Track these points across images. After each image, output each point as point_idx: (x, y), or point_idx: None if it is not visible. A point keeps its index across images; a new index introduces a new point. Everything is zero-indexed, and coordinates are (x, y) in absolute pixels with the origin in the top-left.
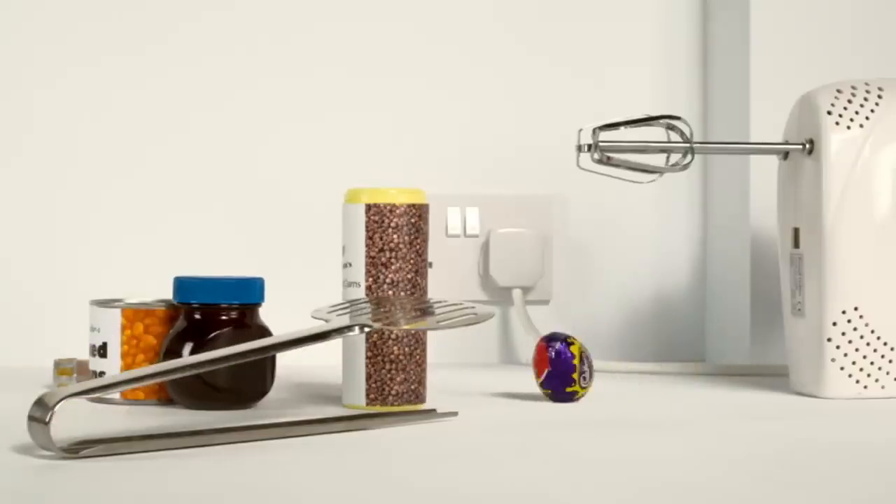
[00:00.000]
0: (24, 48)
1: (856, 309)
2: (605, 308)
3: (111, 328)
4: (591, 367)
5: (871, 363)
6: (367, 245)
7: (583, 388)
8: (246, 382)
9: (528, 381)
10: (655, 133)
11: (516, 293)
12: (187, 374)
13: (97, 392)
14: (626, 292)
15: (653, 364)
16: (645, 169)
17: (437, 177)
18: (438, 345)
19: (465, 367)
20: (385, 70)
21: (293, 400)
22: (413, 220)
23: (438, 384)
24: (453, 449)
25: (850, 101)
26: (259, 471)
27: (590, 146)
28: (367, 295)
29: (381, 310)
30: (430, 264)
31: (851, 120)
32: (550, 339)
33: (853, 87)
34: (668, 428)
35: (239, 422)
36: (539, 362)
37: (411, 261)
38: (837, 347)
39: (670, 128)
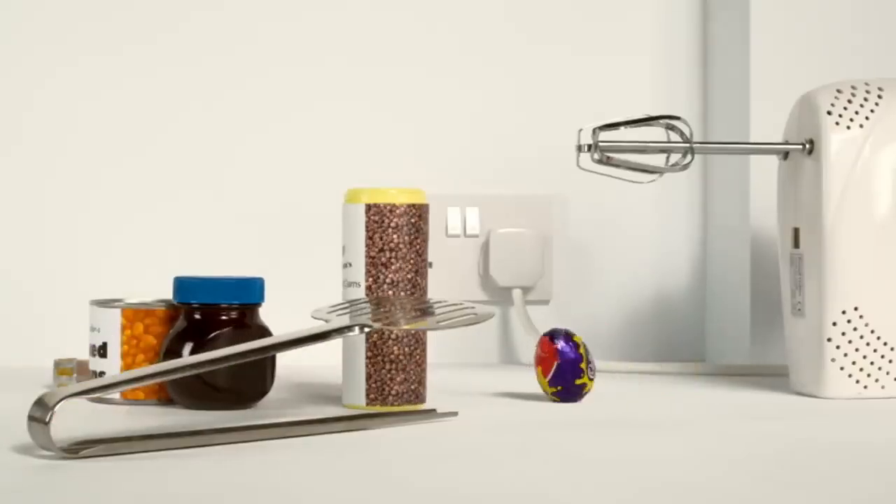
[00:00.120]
0: (16, 48)
1: (856, 309)
2: (605, 308)
3: (111, 328)
4: (593, 361)
5: (871, 363)
6: (367, 245)
7: (591, 380)
8: (246, 382)
9: (528, 381)
10: (655, 133)
11: (516, 293)
12: (187, 374)
13: (97, 392)
14: (626, 292)
15: (653, 364)
16: (645, 169)
17: (437, 177)
18: (438, 345)
19: (465, 367)
20: (385, 70)
21: (293, 400)
22: (413, 220)
23: (438, 384)
24: (453, 449)
25: (850, 101)
26: (259, 471)
27: (590, 146)
28: (367, 295)
29: (381, 310)
30: (430, 264)
31: (851, 120)
32: (552, 334)
33: (853, 87)
34: (668, 428)
35: (239, 422)
36: (545, 358)
37: (411, 261)
38: (837, 347)
39: (670, 128)
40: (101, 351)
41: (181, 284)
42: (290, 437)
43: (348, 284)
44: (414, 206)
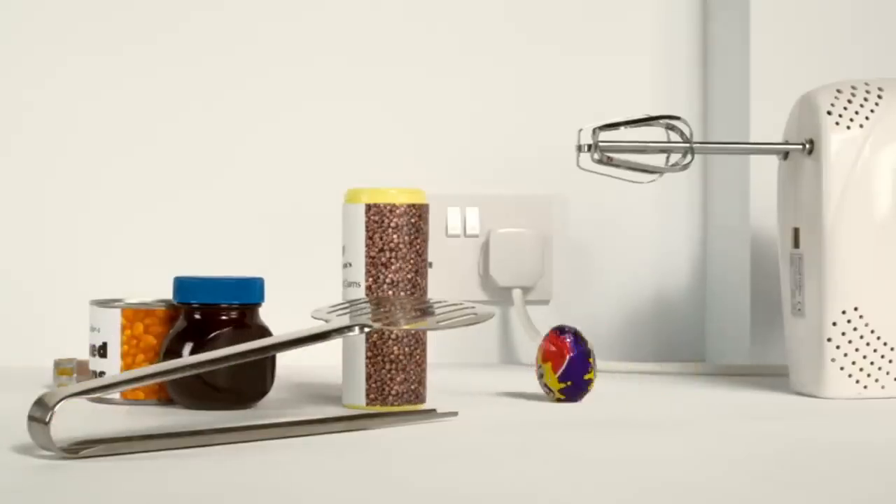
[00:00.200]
0: (15, 48)
1: (856, 309)
2: (605, 308)
3: (111, 328)
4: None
5: (871, 363)
6: (367, 245)
7: (595, 375)
8: (246, 382)
9: (528, 381)
10: (655, 133)
11: (516, 293)
12: (187, 374)
13: (97, 392)
14: (626, 292)
15: (653, 364)
16: (645, 169)
17: (437, 177)
18: (438, 345)
19: (465, 367)
20: (386, 70)
21: (293, 400)
22: (413, 220)
23: (438, 384)
24: (453, 449)
25: (850, 101)
26: (259, 471)
27: (590, 146)
28: (367, 295)
29: (381, 310)
30: (430, 264)
31: (851, 120)
32: (560, 329)
33: (853, 87)
34: (668, 428)
35: (239, 422)
36: (556, 353)
37: (411, 261)
38: (837, 347)
39: (670, 128)
40: (101, 351)
41: (181, 284)
42: (290, 437)
43: (348, 284)
44: (414, 206)
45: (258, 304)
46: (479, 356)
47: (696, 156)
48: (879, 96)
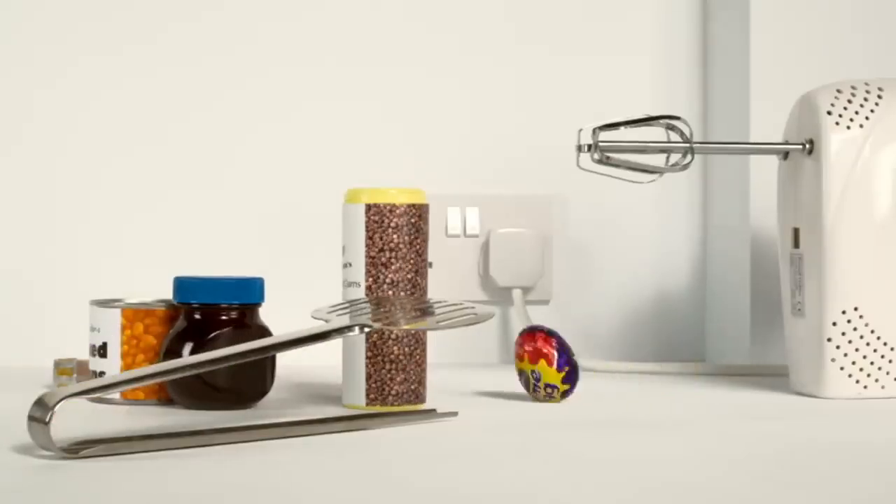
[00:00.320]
0: (22, 48)
1: (856, 309)
2: (605, 308)
3: (111, 328)
4: None
5: (871, 363)
6: (367, 245)
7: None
8: (246, 382)
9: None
10: (655, 133)
11: (516, 293)
12: (187, 374)
13: (97, 392)
14: (626, 292)
15: (653, 364)
16: (645, 169)
17: (437, 177)
18: (438, 345)
19: (465, 367)
20: (386, 70)
21: (293, 400)
22: (413, 220)
23: (438, 384)
24: (453, 449)
25: (850, 101)
26: (259, 471)
27: (590, 146)
28: (366, 295)
29: (381, 310)
30: (430, 264)
31: (851, 120)
32: (530, 330)
33: (853, 87)
34: (668, 428)
35: (239, 422)
36: (542, 350)
37: (411, 261)
38: (837, 347)
39: (670, 128)
40: (101, 351)
41: (181, 284)
42: (290, 437)
43: (348, 284)
44: (414, 206)
45: (258, 304)
46: (479, 356)
47: (696, 156)
48: (879, 96)
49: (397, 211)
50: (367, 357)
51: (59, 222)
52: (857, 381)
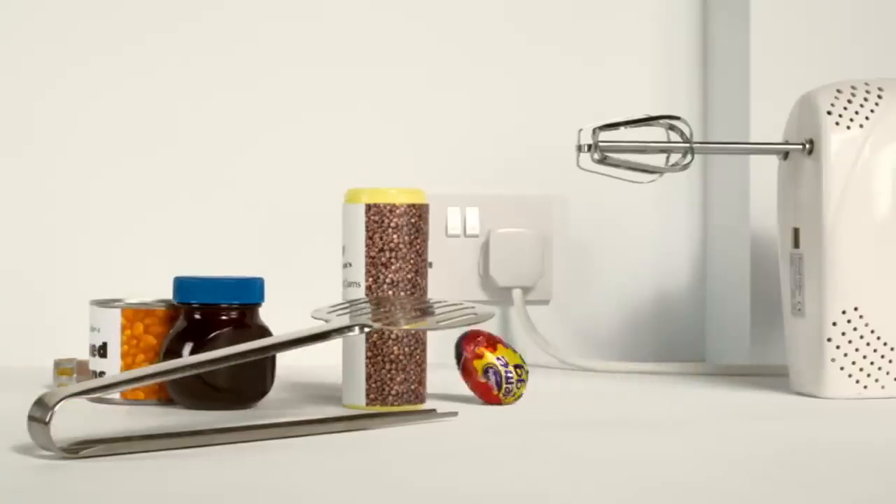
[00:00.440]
0: (23, 48)
1: (856, 309)
2: (605, 308)
3: (111, 328)
4: (507, 374)
5: (871, 363)
6: (367, 245)
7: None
8: (246, 382)
9: (528, 381)
10: (655, 133)
11: (516, 293)
12: (187, 374)
13: (97, 392)
14: (626, 292)
15: (653, 364)
16: (645, 169)
17: (437, 177)
18: (438, 345)
19: None
20: (385, 70)
21: (293, 400)
22: (413, 220)
23: (438, 384)
24: (453, 449)
25: (850, 101)
26: (259, 471)
27: (590, 146)
28: (366, 295)
29: (381, 310)
30: (431, 264)
31: (851, 120)
32: (465, 336)
33: (853, 87)
34: (668, 428)
35: (239, 422)
36: (490, 339)
37: (411, 261)
38: (837, 347)
39: (670, 128)
40: (101, 351)
41: (181, 284)
42: (290, 437)
43: (348, 284)
44: (414, 206)
45: (258, 304)
46: None
47: (696, 156)
48: (879, 96)
49: (397, 211)
50: (367, 357)
51: (60, 222)
52: (857, 381)
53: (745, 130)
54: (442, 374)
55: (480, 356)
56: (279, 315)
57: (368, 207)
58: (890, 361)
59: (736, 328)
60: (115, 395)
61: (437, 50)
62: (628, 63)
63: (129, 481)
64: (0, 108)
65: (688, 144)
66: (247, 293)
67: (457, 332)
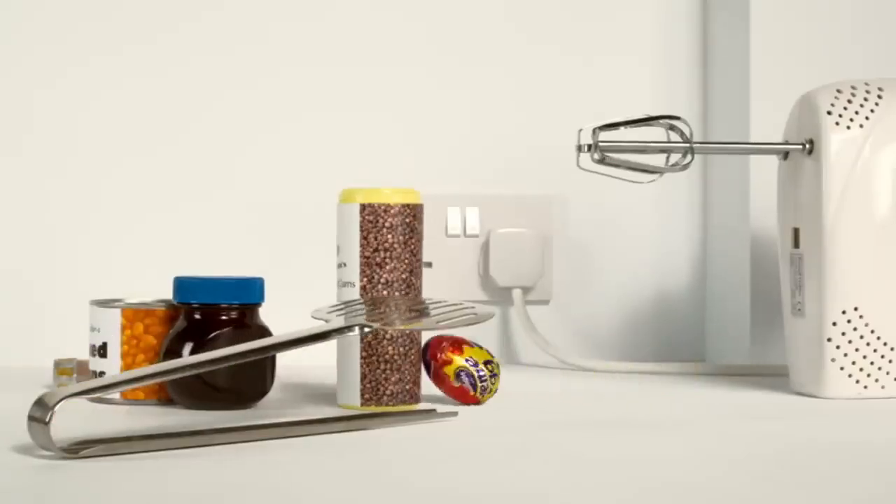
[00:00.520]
0: (23, 48)
1: (856, 309)
2: (605, 308)
3: (111, 328)
4: (479, 374)
5: (871, 363)
6: (361, 245)
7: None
8: (246, 382)
9: (529, 381)
10: (655, 133)
11: (516, 293)
12: (187, 374)
13: (97, 392)
14: (626, 292)
15: (653, 364)
16: (645, 169)
17: (437, 177)
18: None
19: None
20: (385, 70)
21: (293, 400)
22: (408, 220)
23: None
24: (453, 449)
25: (850, 101)
26: (259, 471)
27: (590, 146)
28: (361, 295)
29: (381, 310)
30: (430, 264)
31: (851, 120)
32: (434, 341)
33: (853, 87)
34: (668, 428)
35: (239, 422)
36: (457, 342)
37: (406, 261)
38: (837, 347)
39: (670, 128)
40: (101, 351)
41: (181, 284)
42: (290, 437)
43: (343, 284)
44: (408, 206)
45: (258, 304)
46: None
47: (696, 156)
48: (879, 96)
49: (392, 211)
50: (362, 357)
51: (60, 222)
52: (857, 381)
53: (745, 130)
54: None
55: (449, 361)
56: (279, 315)
57: (363, 207)
58: (890, 361)
59: (736, 328)
60: (115, 395)
61: (437, 50)
62: (628, 63)
63: (129, 481)
64: (0, 107)
65: (688, 144)
66: (247, 293)
67: (457, 333)
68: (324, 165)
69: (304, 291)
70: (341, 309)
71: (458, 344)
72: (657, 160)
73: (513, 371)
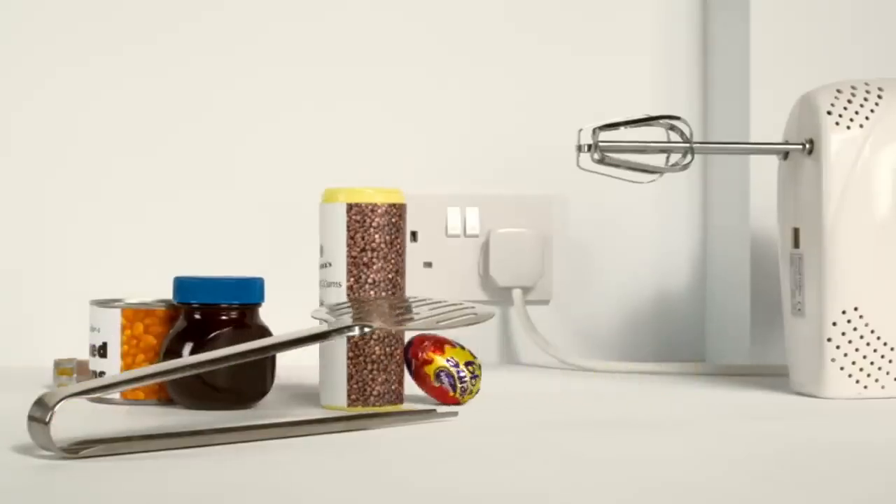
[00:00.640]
0: (20, 48)
1: (856, 309)
2: (605, 308)
3: (111, 328)
4: (461, 375)
5: (871, 363)
6: (348, 245)
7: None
8: (246, 382)
9: (528, 381)
10: (655, 133)
11: (516, 293)
12: (187, 374)
13: (97, 392)
14: (626, 292)
15: (653, 364)
16: (645, 169)
17: (437, 177)
18: None
19: None
20: (385, 70)
21: (293, 400)
22: (394, 220)
23: None
24: (453, 449)
25: (850, 101)
26: (259, 471)
27: (590, 146)
28: (348, 296)
29: (380, 310)
30: (430, 264)
31: (851, 120)
32: (412, 342)
33: (853, 87)
34: (668, 428)
35: (239, 422)
36: (437, 341)
37: (392, 261)
38: (837, 347)
39: (670, 128)
40: (101, 351)
41: (181, 284)
42: (290, 437)
43: (328, 285)
44: (394, 205)
45: (258, 304)
46: (479, 356)
47: (696, 156)
48: (879, 96)
49: (379, 210)
50: (349, 357)
51: (60, 222)
52: (857, 381)
53: (745, 130)
54: None
55: (430, 361)
56: (279, 315)
57: (350, 207)
58: (890, 361)
59: (736, 328)
60: (115, 395)
61: (438, 50)
62: (628, 63)
63: (129, 481)
64: (0, 107)
65: (688, 144)
66: (247, 293)
67: (457, 333)
68: (324, 165)
69: (304, 291)
70: (344, 308)
71: (440, 344)
72: (657, 160)
73: (513, 371)
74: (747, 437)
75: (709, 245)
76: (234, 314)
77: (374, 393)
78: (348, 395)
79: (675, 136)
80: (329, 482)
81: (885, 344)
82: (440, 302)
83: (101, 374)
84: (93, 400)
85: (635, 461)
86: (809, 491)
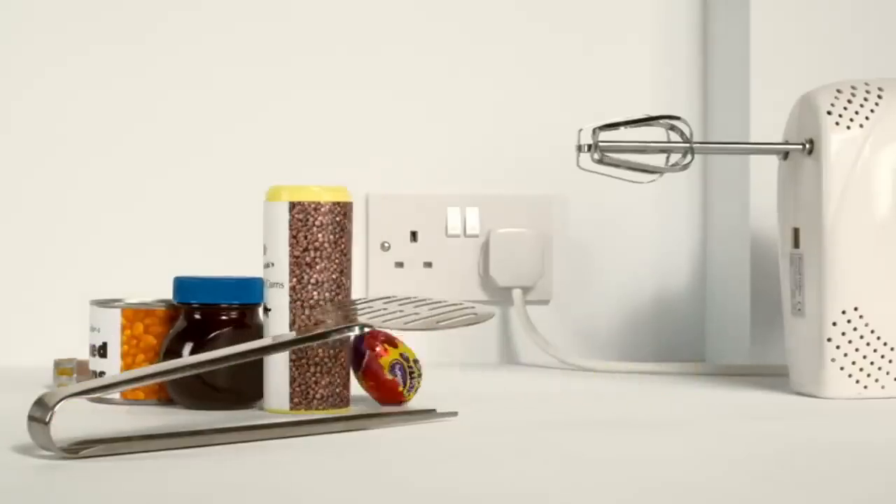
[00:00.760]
0: (13, 43)
1: (856, 309)
2: (605, 308)
3: (111, 328)
4: (408, 369)
5: (871, 363)
6: (290, 244)
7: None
8: (246, 382)
9: (528, 381)
10: (655, 133)
11: (516, 293)
12: (187, 374)
13: (97, 392)
14: (626, 292)
15: (653, 364)
16: (645, 169)
17: (437, 176)
18: (438, 345)
19: (465, 367)
20: (385, 70)
21: None
22: (338, 219)
23: (438, 384)
24: (453, 449)
25: (850, 101)
26: (259, 471)
27: (590, 146)
28: (290, 296)
29: (380, 309)
30: (430, 264)
31: (851, 120)
32: (358, 342)
33: (853, 87)
34: (668, 428)
35: (239, 422)
36: (391, 336)
37: (336, 260)
38: (837, 347)
39: (670, 128)
40: (101, 351)
41: (181, 284)
42: (290, 437)
43: (271, 285)
44: (339, 203)
45: (258, 304)
46: (479, 356)
47: (696, 156)
48: (879, 96)
49: (322, 209)
50: (292, 360)
51: (59, 222)
52: (857, 381)
53: (745, 130)
54: (442, 374)
55: (385, 353)
56: None
57: (292, 205)
58: (890, 361)
59: (736, 328)
60: (115, 395)
61: (436, 50)
62: (628, 63)
63: (129, 481)
64: None
65: (688, 144)
66: (247, 293)
67: (457, 333)
68: (324, 165)
69: None
70: (340, 309)
71: (391, 340)
72: (657, 160)
73: (513, 371)
74: (747, 437)
75: (709, 245)
76: (234, 314)
77: (318, 396)
78: (290, 399)
79: (675, 136)
80: (329, 482)
81: (885, 344)
82: (440, 302)
83: (101, 374)
84: (93, 400)
85: (635, 461)
86: (809, 491)
